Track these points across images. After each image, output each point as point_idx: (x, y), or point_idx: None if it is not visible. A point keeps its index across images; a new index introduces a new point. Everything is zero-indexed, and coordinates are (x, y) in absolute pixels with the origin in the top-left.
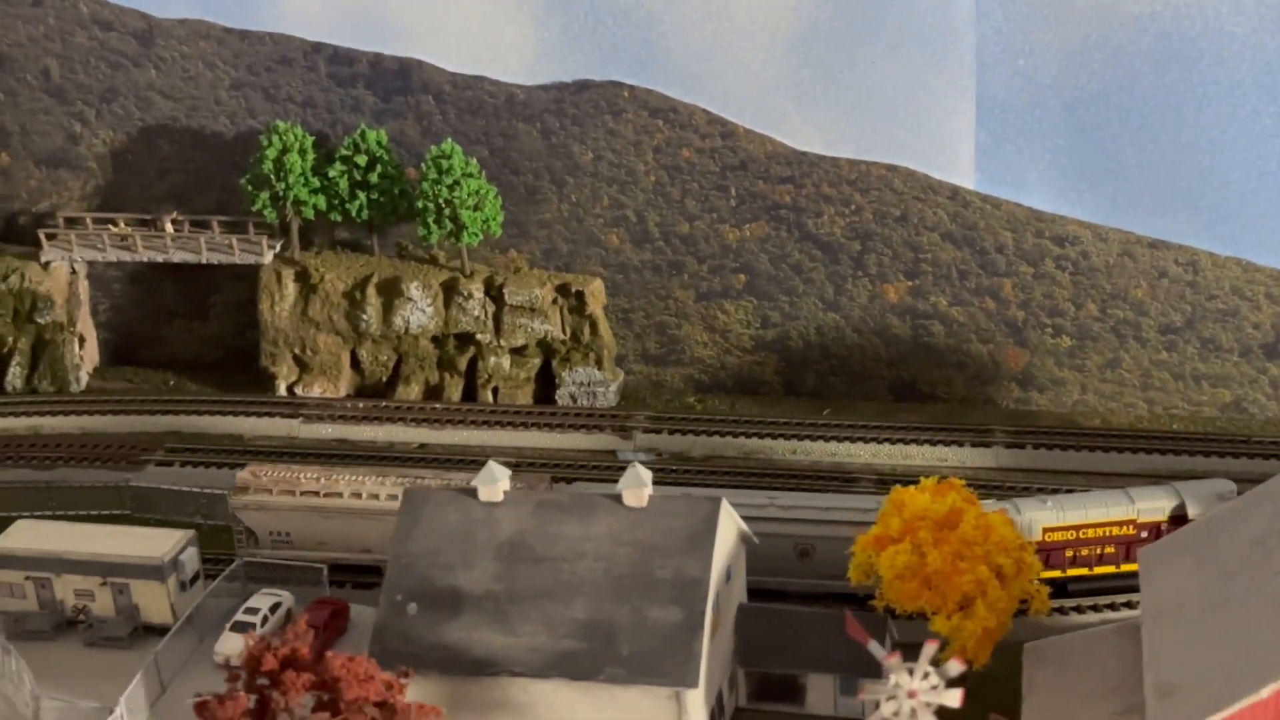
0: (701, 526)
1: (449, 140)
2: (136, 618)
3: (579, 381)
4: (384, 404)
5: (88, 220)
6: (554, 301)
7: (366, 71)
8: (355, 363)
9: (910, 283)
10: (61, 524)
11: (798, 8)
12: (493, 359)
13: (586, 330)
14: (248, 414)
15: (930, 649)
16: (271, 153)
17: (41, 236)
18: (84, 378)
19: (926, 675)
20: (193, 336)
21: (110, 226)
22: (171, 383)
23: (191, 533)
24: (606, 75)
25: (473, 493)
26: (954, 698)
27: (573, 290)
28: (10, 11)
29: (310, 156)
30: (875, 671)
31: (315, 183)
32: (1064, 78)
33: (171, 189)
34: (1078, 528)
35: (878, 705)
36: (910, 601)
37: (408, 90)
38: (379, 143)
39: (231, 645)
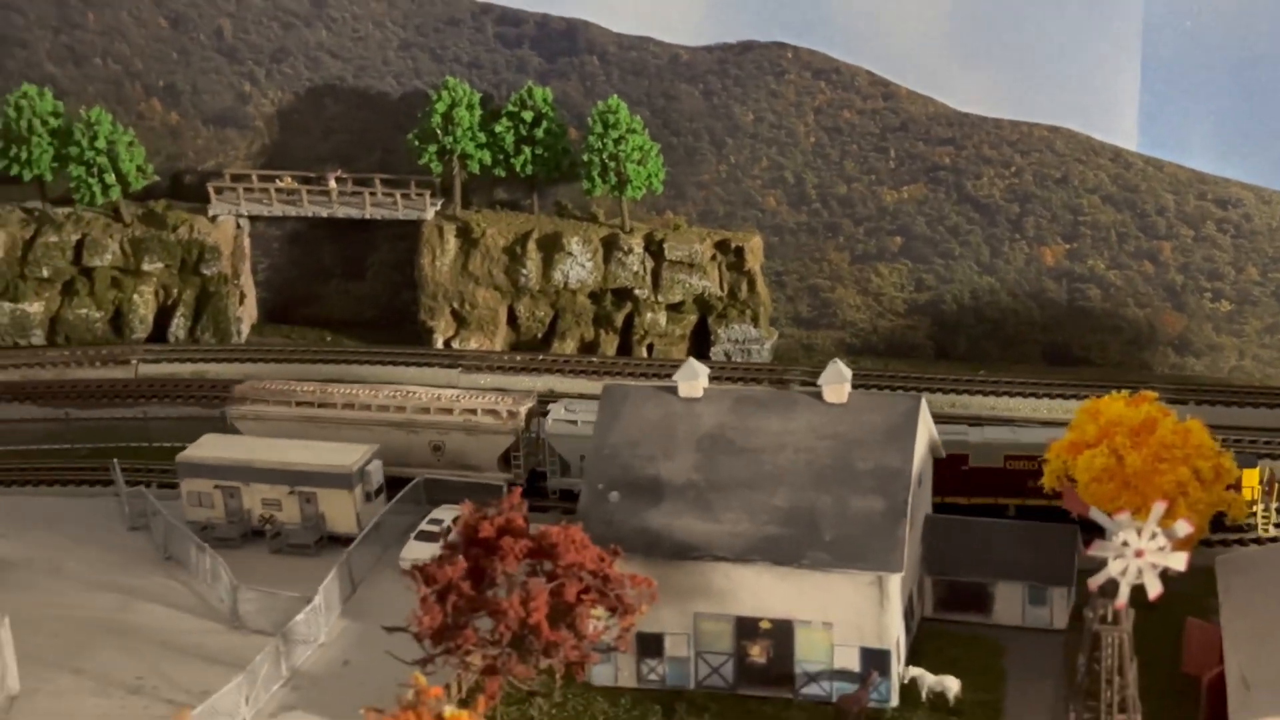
0: (901, 421)
1: (615, 96)
2: (322, 526)
3: (734, 339)
4: (541, 356)
5: (254, 177)
6: (713, 258)
7: (533, 32)
8: (512, 318)
9: (1068, 246)
10: (247, 437)
11: None
12: (649, 315)
13: (744, 287)
14: (406, 364)
15: (1159, 508)
16: (440, 107)
17: (210, 190)
18: (244, 331)
19: (1154, 535)
20: (349, 296)
21: (276, 182)
22: (329, 338)
23: (376, 445)
24: (771, 36)
25: (672, 389)
26: (1179, 560)
27: (732, 246)
28: None
29: (478, 113)
30: (1065, 579)
31: (481, 138)
32: (1231, 39)
33: (335, 149)
34: None
35: (1105, 563)
36: (1108, 502)
37: (573, 51)
38: (545, 100)
39: (417, 552)
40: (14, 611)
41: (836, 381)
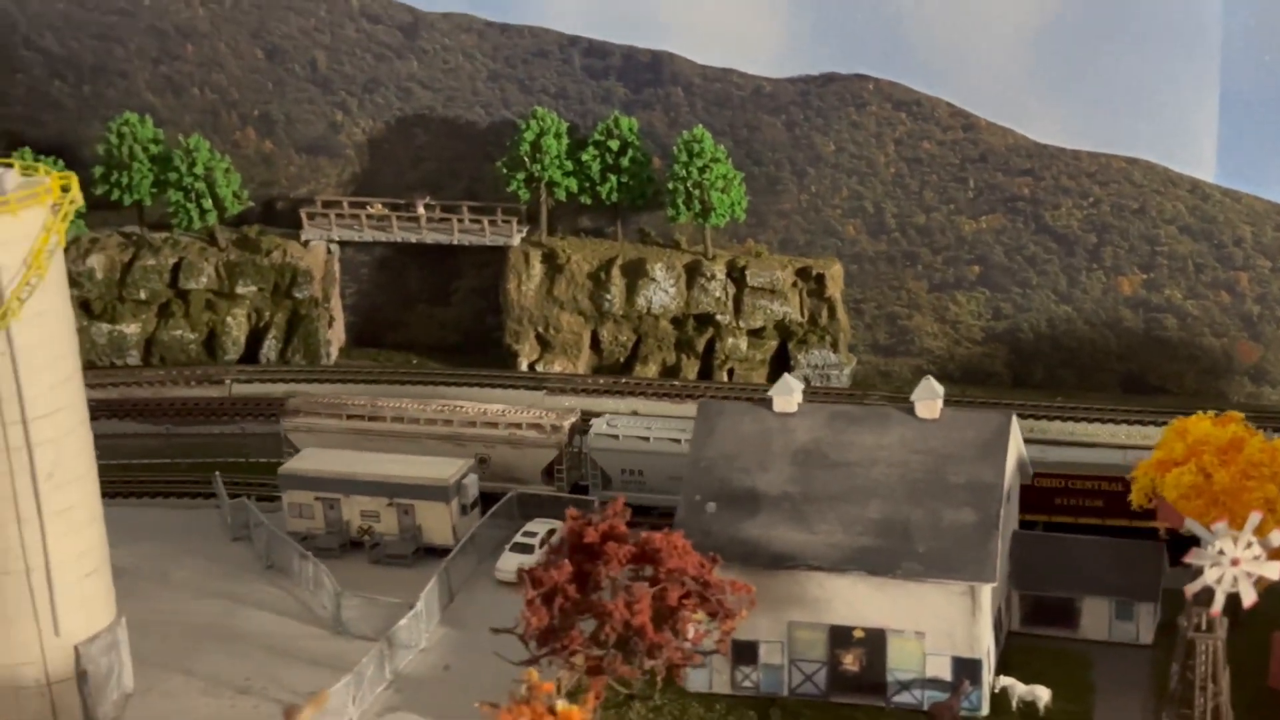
0: (993, 437)
1: (699, 126)
2: (419, 538)
3: (814, 364)
4: (624, 380)
5: (344, 203)
6: (794, 284)
7: (619, 64)
8: (595, 343)
9: (1145, 275)
10: (347, 451)
11: (1043, 2)
12: (730, 340)
13: (824, 313)
14: (493, 386)
15: (1255, 518)
16: (529, 135)
17: (303, 216)
18: (333, 354)
19: (1250, 545)
20: (434, 321)
21: (366, 208)
22: (415, 362)
23: (473, 460)
24: (852, 68)
25: (767, 404)
26: (1275, 569)
27: (813, 273)
28: (284, 4)
29: (565, 141)
30: (1152, 595)
31: (568, 166)
32: None
33: (424, 177)
34: None
35: (1201, 572)
36: (1197, 519)
37: (658, 82)
38: (630, 129)
39: (512, 564)
40: (125, 617)
41: (929, 398)
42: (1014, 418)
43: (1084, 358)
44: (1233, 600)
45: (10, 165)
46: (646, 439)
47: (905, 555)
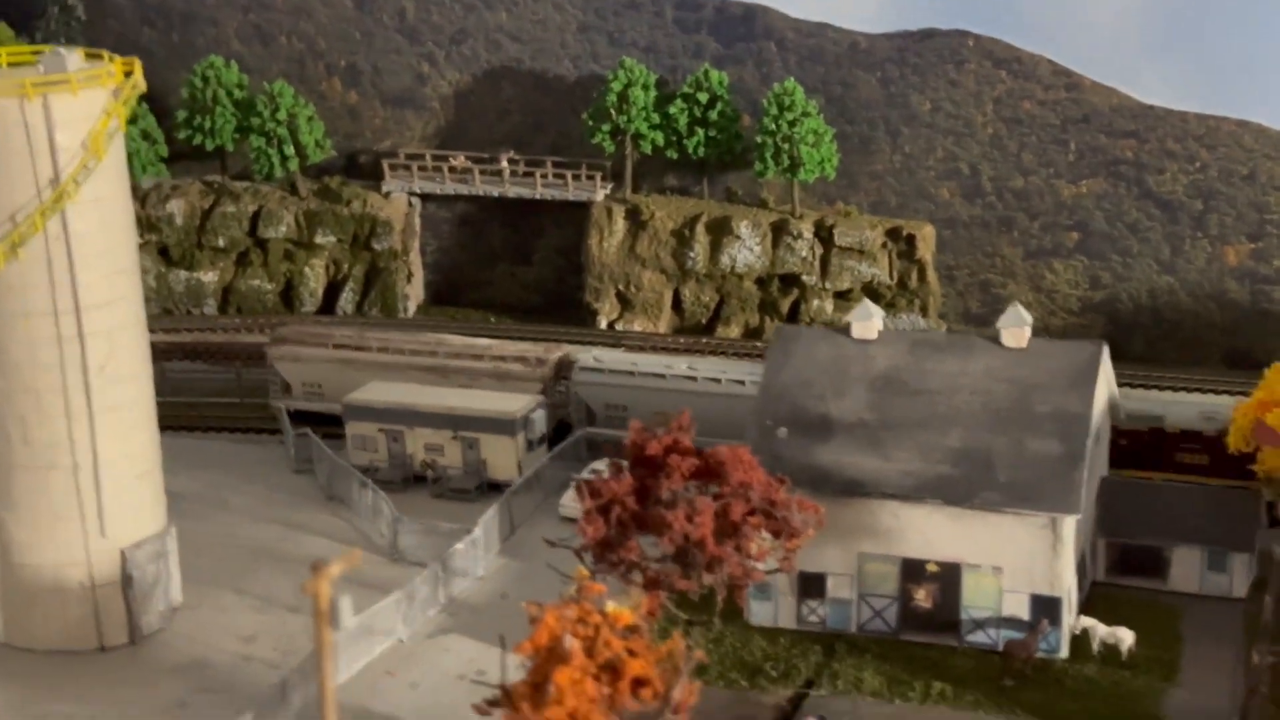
0: (1084, 367)
1: (791, 79)
2: (483, 473)
3: (901, 329)
4: (705, 339)
5: (428, 156)
6: (883, 245)
7: (711, 17)
8: (677, 303)
9: (1253, 245)
10: (414, 384)
11: None
12: (815, 302)
13: (914, 276)
14: (570, 342)
15: None
16: (616, 86)
17: (385, 166)
18: (411, 308)
19: None
20: (515, 281)
21: (449, 160)
22: (493, 319)
23: (542, 396)
24: (952, 24)
25: (845, 330)
26: None
27: (904, 234)
28: None
29: (653, 93)
30: (1247, 545)
31: (655, 118)
32: None
33: (509, 131)
34: None
35: None
36: None
37: (750, 36)
38: (720, 83)
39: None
40: (180, 537)
41: (1016, 325)
42: (1105, 348)
43: (1186, 331)
44: None
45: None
46: (631, 373)
47: (985, 485)
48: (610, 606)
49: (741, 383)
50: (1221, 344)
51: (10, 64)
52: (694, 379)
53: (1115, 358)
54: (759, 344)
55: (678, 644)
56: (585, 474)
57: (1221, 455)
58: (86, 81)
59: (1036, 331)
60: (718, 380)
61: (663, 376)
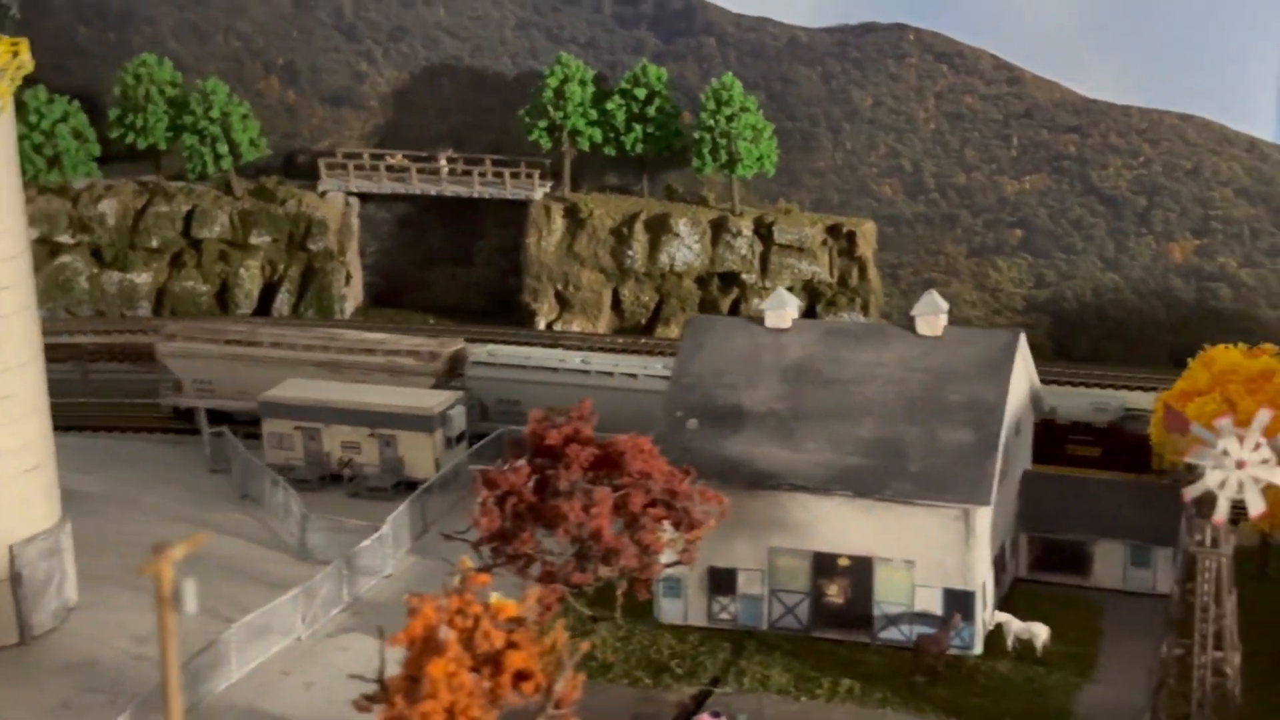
0: (999, 355)
1: (729, 74)
2: (400, 471)
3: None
4: (644, 340)
5: (365, 155)
6: (823, 243)
7: (651, 12)
8: (616, 303)
9: (1198, 241)
10: (331, 381)
11: None
12: (756, 300)
13: (855, 274)
14: (508, 343)
15: (1264, 417)
16: (553, 82)
17: (321, 166)
18: (348, 310)
19: (1258, 446)
20: (456, 282)
21: (386, 159)
22: (433, 321)
23: (461, 393)
24: (892, 17)
25: (759, 320)
26: None
27: (844, 231)
28: None
29: (590, 89)
30: (1170, 538)
31: (593, 115)
32: None
33: (449, 129)
34: None
35: (1202, 473)
36: None
37: (690, 32)
38: (659, 78)
39: None
40: (84, 537)
41: (931, 313)
42: (1022, 336)
43: (1132, 329)
44: (1261, 554)
45: None
46: (523, 367)
47: (896, 476)
48: (494, 598)
49: (634, 376)
50: (1169, 342)
51: None
52: (587, 372)
53: (1061, 357)
54: (643, 340)
55: (561, 636)
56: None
57: (1113, 447)
58: None
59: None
60: (610, 374)
61: (555, 370)
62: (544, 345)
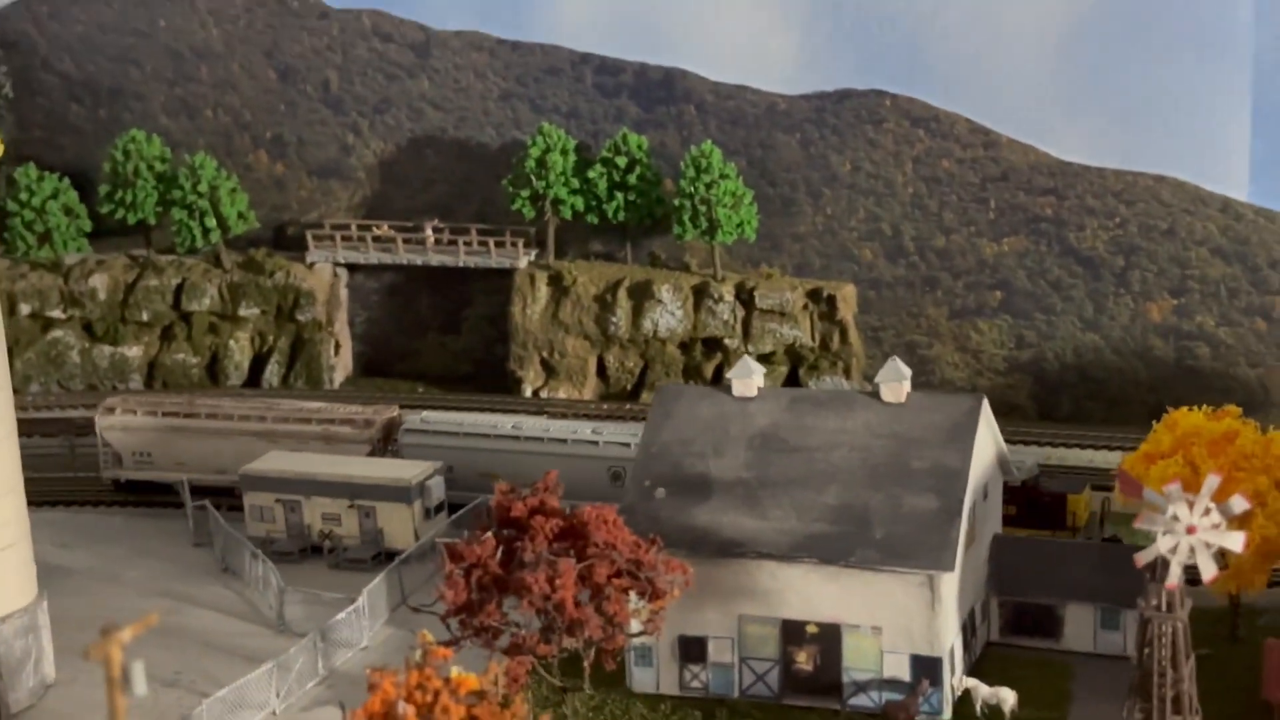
0: (962, 421)
1: (709, 141)
2: (380, 542)
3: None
4: (628, 406)
5: (353, 226)
6: (804, 307)
7: (631, 81)
8: (601, 369)
9: (1175, 301)
10: (311, 454)
11: (1068, 10)
12: (730, 370)
13: (836, 337)
14: (494, 410)
15: (1213, 482)
16: (535, 151)
17: (308, 237)
18: (337, 380)
19: (1208, 511)
20: (444, 350)
21: (374, 228)
22: (421, 390)
23: (440, 463)
24: (869, 84)
25: (727, 388)
26: (1236, 541)
27: (825, 295)
28: (298, 24)
29: (572, 158)
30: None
31: (575, 183)
32: None
33: (435, 200)
34: None
35: (1154, 538)
36: None
37: (670, 100)
38: (639, 146)
39: None
40: (65, 613)
41: (895, 380)
42: (984, 401)
43: (1112, 389)
44: (1231, 615)
45: None
46: (455, 433)
47: (861, 543)
48: (455, 672)
49: (564, 440)
50: (1149, 401)
51: None
52: (518, 438)
53: (1044, 417)
54: (628, 405)
55: (522, 710)
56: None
57: (1028, 505)
58: None
59: (965, 392)
60: (540, 439)
61: (487, 436)
62: (530, 413)
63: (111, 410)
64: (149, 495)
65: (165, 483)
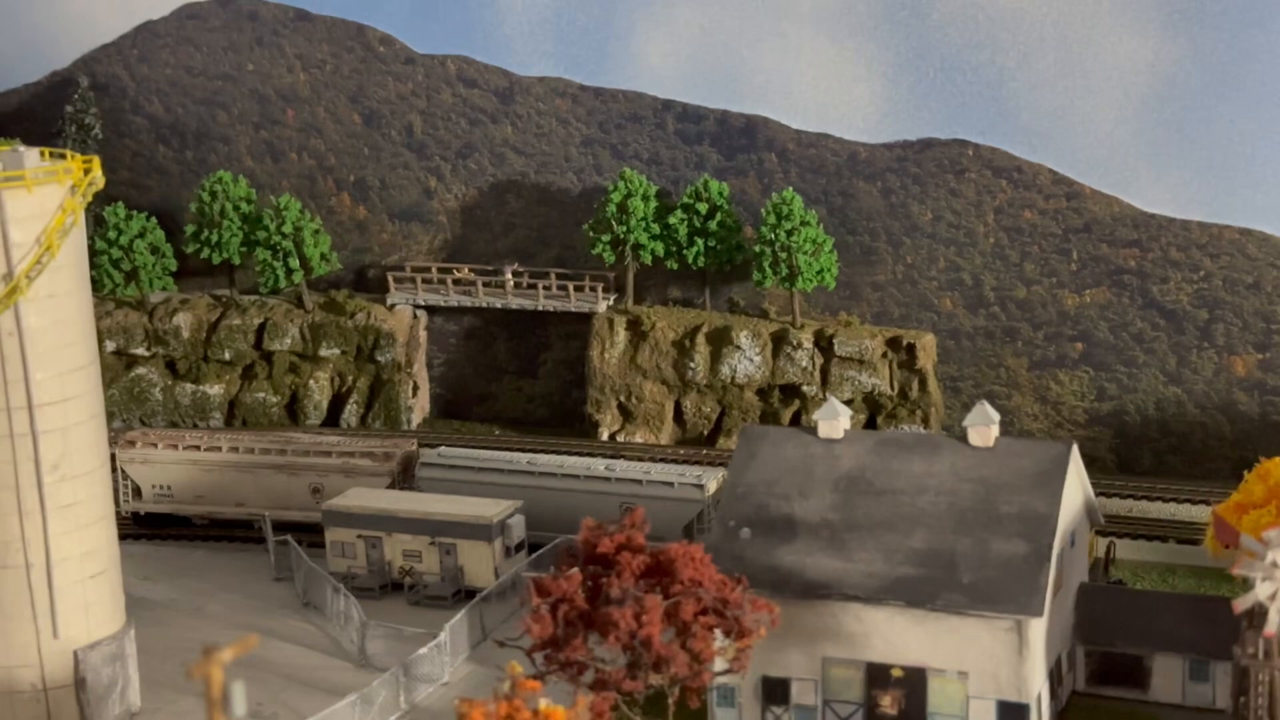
0: (1051, 467)
1: (789, 189)
2: (460, 580)
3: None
4: (705, 450)
5: (433, 269)
6: (884, 355)
7: (713, 129)
8: (678, 414)
9: (1260, 356)
10: (394, 491)
11: (1154, 63)
12: (816, 412)
13: (915, 386)
14: (569, 453)
15: None
16: (616, 197)
17: (389, 279)
18: (414, 421)
19: None
20: (520, 394)
21: (454, 271)
22: (498, 432)
23: (520, 502)
24: (952, 133)
25: (812, 430)
26: None
27: (904, 344)
28: (383, 69)
29: (653, 204)
30: (1229, 653)
31: (656, 229)
32: None
33: (514, 244)
34: None
35: (1253, 585)
36: None
37: (752, 148)
38: (720, 193)
39: None
40: (149, 644)
41: (983, 424)
42: (1074, 448)
43: (1195, 443)
44: None
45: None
46: (472, 468)
47: (948, 587)
48: (543, 704)
49: (577, 477)
50: (1231, 457)
51: None
52: (532, 473)
53: (1124, 471)
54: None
55: None
56: None
57: None
58: (42, 179)
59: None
60: (554, 474)
61: (501, 471)
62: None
63: (132, 444)
64: (232, 531)
65: (184, 515)
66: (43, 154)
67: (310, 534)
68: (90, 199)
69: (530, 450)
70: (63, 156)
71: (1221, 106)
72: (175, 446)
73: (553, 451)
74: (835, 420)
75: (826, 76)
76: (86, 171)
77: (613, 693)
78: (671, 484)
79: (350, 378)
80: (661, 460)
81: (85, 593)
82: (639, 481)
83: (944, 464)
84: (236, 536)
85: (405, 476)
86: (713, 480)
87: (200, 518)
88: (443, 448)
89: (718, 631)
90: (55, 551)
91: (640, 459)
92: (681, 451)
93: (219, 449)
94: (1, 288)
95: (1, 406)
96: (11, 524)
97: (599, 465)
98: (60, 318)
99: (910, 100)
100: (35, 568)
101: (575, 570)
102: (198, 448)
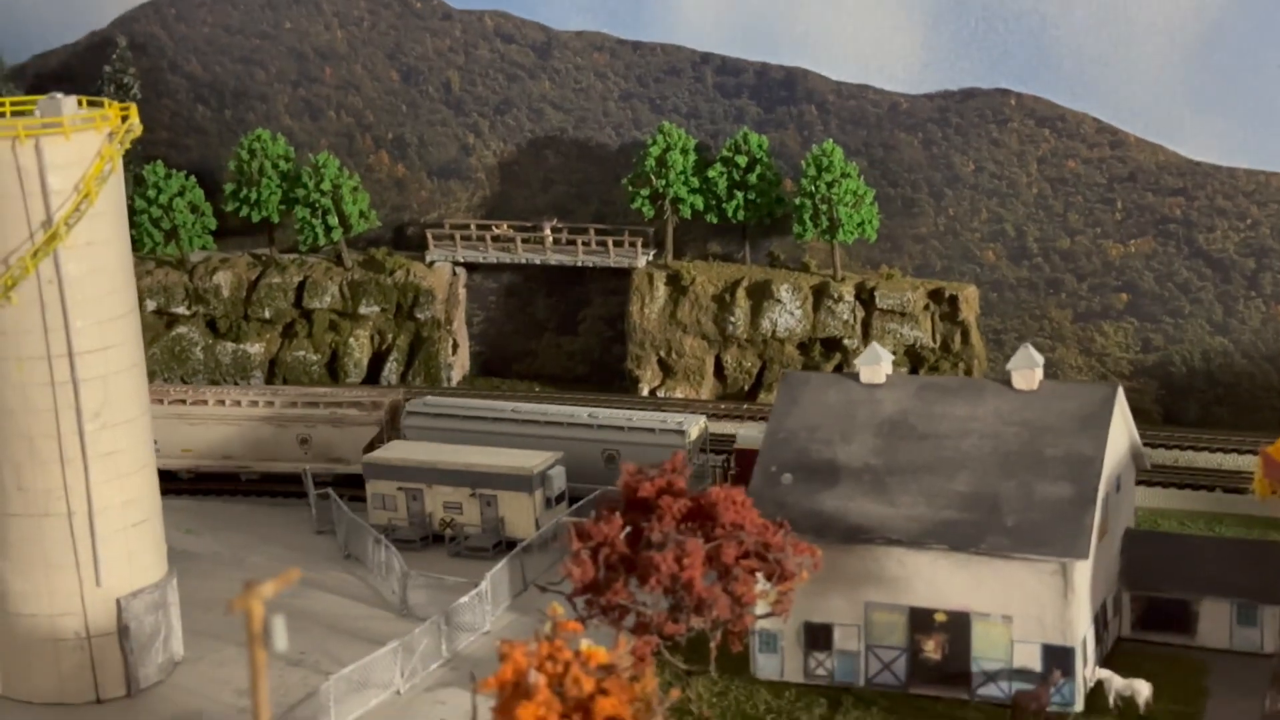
0: (1096, 409)
1: (829, 140)
2: (501, 531)
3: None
4: (746, 405)
5: (472, 226)
6: (925, 307)
7: (752, 81)
8: (719, 369)
9: None
10: (434, 443)
11: (1200, 9)
12: (859, 358)
13: (957, 338)
14: (607, 408)
15: None
16: (655, 150)
17: (428, 236)
18: (454, 378)
19: None
20: (560, 351)
21: (493, 228)
22: (537, 389)
23: (561, 453)
24: (994, 83)
25: (854, 375)
26: None
27: (946, 295)
28: (420, 25)
29: (692, 157)
30: (1276, 597)
31: (695, 183)
32: None
33: (553, 200)
34: None
35: None
36: None
37: (791, 100)
38: (760, 145)
39: None
40: (191, 594)
41: (1027, 367)
42: (1119, 390)
43: (1242, 393)
44: None
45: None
46: (455, 415)
47: (992, 530)
48: (584, 645)
49: (561, 424)
50: (1278, 406)
51: (13, 113)
52: (516, 420)
53: (1169, 422)
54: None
55: (652, 684)
56: None
57: None
58: (80, 125)
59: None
60: (537, 421)
61: (485, 419)
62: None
63: None
64: (274, 485)
65: (169, 470)
66: (80, 102)
67: (296, 484)
68: (128, 145)
69: (671, 411)
70: (100, 105)
71: (1269, 52)
72: (160, 401)
73: (745, 419)
74: (877, 365)
75: (866, 27)
76: (124, 119)
77: (654, 636)
78: (653, 430)
79: (390, 335)
80: (647, 410)
81: (127, 541)
82: (621, 428)
83: (987, 407)
84: (277, 491)
85: (393, 426)
86: (694, 426)
87: (188, 471)
88: (428, 396)
89: (759, 575)
90: (97, 499)
91: (741, 419)
92: (723, 406)
93: (205, 402)
94: (41, 235)
95: (42, 354)
96: (53, 472)
97: (582, 413)
98: (99, 265)
99: (951, 49)
100: (77, 515)
101: (616, 514)
102: (183, 401)
